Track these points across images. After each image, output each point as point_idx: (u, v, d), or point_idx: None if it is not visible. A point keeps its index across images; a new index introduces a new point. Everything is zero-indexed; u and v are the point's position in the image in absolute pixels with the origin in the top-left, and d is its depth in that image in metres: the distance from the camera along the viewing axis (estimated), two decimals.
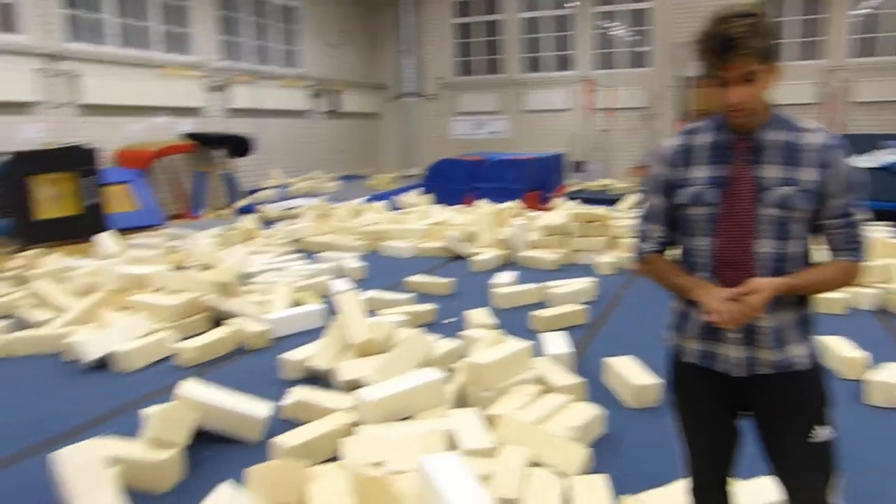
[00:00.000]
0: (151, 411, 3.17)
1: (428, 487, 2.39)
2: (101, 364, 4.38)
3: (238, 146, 12.02)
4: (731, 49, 1.60)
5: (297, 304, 5.44)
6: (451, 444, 2.90)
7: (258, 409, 3.37)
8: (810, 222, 1.74)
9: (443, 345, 4.16)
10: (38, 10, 9.84)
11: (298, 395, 3.56)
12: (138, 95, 11.37)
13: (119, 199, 9.51)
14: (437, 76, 18.26)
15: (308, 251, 7.94)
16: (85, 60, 10.48)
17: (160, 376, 4.23)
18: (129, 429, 3.28)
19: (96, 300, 5.13)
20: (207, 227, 9.22)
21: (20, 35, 9.69)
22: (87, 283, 5.61)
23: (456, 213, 9.24)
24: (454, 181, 11.22)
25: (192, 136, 11.67)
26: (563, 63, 17.23)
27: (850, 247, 1.75)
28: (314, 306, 5.28)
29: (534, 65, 17.66)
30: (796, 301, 1.77)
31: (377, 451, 2.81)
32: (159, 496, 2.85)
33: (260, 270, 6.45)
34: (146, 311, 4.87)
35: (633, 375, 3.74)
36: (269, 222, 9.86)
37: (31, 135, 9.58)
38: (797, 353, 1.77)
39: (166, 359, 4.50)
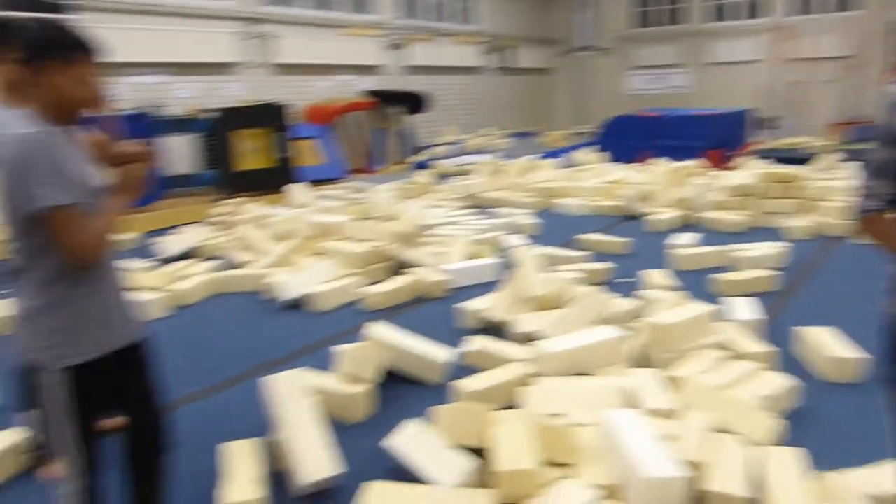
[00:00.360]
0: (344, 349, 3.42)
1: (611, 442, 2.39)
2: (297, 304, 4.77)
3: (414, 103, 12.38)
4: None
5: (473, 256, 5.57)
6: (631, 403, 2.86)
7: (440, 353, 3.52)
8: None
9: (620, 303, 4.09)
10: None
11: (478, 343, 3.68)
12: (325, 55, 12.00)
13: (307, 154, 10.18)
14: (612, 29, 17.57)
15: (482, 206, 8.06)
16: (279, 22, 11.20)
17: (349, 318, 4.54)
18: (323, 363, 3.56)
19: (292, 246, 5.57)
20: (386, 181, 9.63)
21: (224, 1, 10.53)
22: (284, 229, 6.08)
23: (632, 172, 8.94)
24: (630, 138, 10.83)
25: (372, 93, 12.18)
26: (752, 10, 15.88)
27: None
28: (489, 260, 5.38)
29: (718, 13, 16.44)
30: None
31: (557, 402, 2.84)
32: (352, 426, 3.08)
33: (436, 223, 6.66)
34: (336, 258, 5.21)
35: (832, 347, 3.47)
36: (443, 177, 10.11)
37: (232, 93, 10.46)
38: None
39: (353, 302, 4.81)
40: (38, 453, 2.77)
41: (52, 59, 1.70)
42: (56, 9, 7.97)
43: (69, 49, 1.73)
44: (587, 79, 17.77)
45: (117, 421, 2.05)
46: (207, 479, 2.65)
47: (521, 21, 17.23)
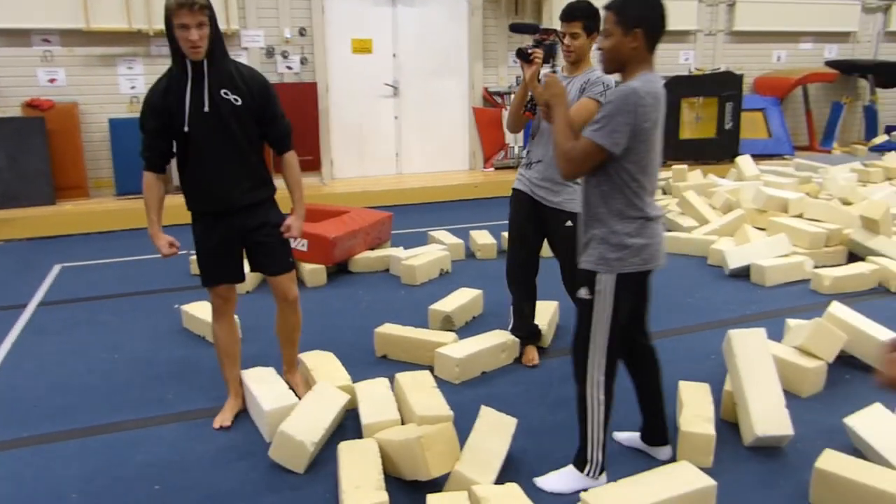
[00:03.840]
0: (801, 323, 3.42)
1: None
2: (740, 273, 4.82)
3: (888, 75, 10.87)
4: None
5: None
6: None
7: None
8: None
9: None
10: None
11: None
12: (787, 20, 11.23)
13: (754, 126, 9.81)
14: None
15: None
16: None
17: (798, 295, 4.45)
18: (773, 334, 3.60)
19: (738, 216, 5.58)
20: (838, 161, 8.79)
21: None
22: (727, 199, 6.10)
23: None
24: None
25: (835, 63, 11.05)
26: None
27: None
28: None
29: None
30: None
31: None
32: (800, 398, 3.11)
33: None
34: (786, 233, 5.08)
35: None
36: None
37: (683, 60, 10.55)
38: None
39: (801, 281, 4.67)
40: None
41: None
42: None
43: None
44: None
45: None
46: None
47: None
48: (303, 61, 7.90)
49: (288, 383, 3.13)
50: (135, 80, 7.41)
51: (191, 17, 2.47)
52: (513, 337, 3.53)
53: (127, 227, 6.72)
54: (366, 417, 2.76)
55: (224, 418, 2.97)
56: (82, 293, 4.83)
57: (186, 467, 2.66)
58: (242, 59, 7.70)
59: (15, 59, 7.08)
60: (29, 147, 6.83)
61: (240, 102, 2.64)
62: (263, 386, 3.00)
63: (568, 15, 3.06)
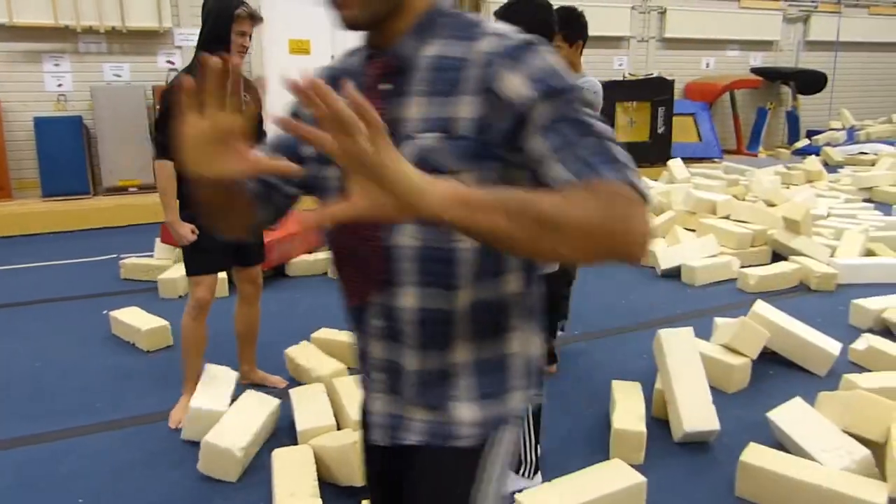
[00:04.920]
0: (726, 321, 3.55)
1: None
2: (671, 273, 4.98)
3: (808, 83, 11.40)
4: None
5: (868, 253, 5.15)
6: None
7: (830, 344, 3.45)
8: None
9: None
10: None
11: (870, 341, 3.50)
12: (715, 28, 11.63)
13: (684, 130, 10.13)
14: None
15: (881, 202, 7.26)
16: None
17: (725, 294, 4.62)
18: (701, 332, 3.73)
19: (669, 217, 5.75)
20: (763, 164, 9.15)
21: None
22: (659, 202, 6.28)
23: None
24: None
25: (760, 70, 11.52)
26: None
27: (587, 165, 0.88)
28: (889, 259, 4.93)
29: None
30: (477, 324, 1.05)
31: None
32: (726, 395, 3.23)
33: (826, 214, 6.23)
34: (714, 234, 5.26)
35: None
36: (832, 166, 9.26)
37: (617, 66, 10.81)
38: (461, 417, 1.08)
39: (728, 281, 4.85)
40: None
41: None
42: None
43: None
44: None
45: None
46: (596, 405, 3.07)
47: None
48: None
49: (252, 381, 3.24)
50: (62, 78, 7.14)
51: (250, 28, 2.80)
52: None
53: (53, 229, 6.49)
54: (301, 424, 2.73)
55: (181, 417, 2.92)
56: (4, 299, 4.63)
57: (114, 478, 2.58)
58: (176, 57, 7.52)
59: None
60: None
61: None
62: (211, 387, 2.94)
63: None
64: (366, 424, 1.19)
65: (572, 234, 0.79)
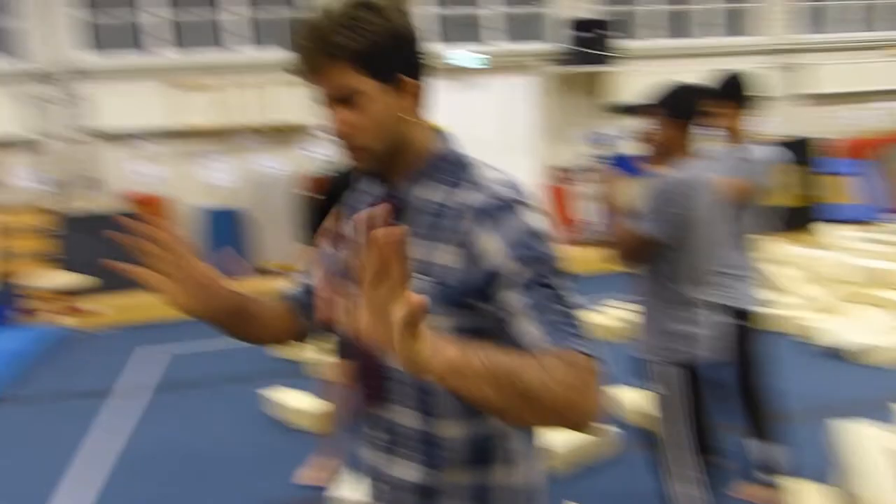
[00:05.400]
0: None
1: None
2: (840, 353, 4.56)
3: None
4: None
5: None
6: None
7: None
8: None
9: None
10: (775, 7, 10.49)
11: None
12: (869, 80, 10.94)
13: (838, 190, 9.48)
14: None
15: None
16: (814, 50, 10.67)
17: None
18: (884, 420, 3.36)
19: (835, 291, 5.32)
20: None
21: (759, 36, 10.53)
22: (819, 271, 5.85)
23: None
24: None
25: None
26: None
27: (556, 333, 0.94)
28: None
29: None
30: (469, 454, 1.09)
31: None
32: None
33: None
34: (889, 307, 4.81)
35: None
36: None
37: (761, 127, 10.36)
38: None
39: None
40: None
41: None
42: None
43: None
44: None
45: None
46: None
47: None
48: None
49: None
50: (223, 172, 7.83)
51: None
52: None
53: None
54: None
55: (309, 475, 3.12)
56: (175, 377, 4.99)
57: None
58: (315, 147, 8.05)
59: (116, 157, 7.64)
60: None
61: None
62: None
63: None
64: None
65: (541, 405, 0.86)
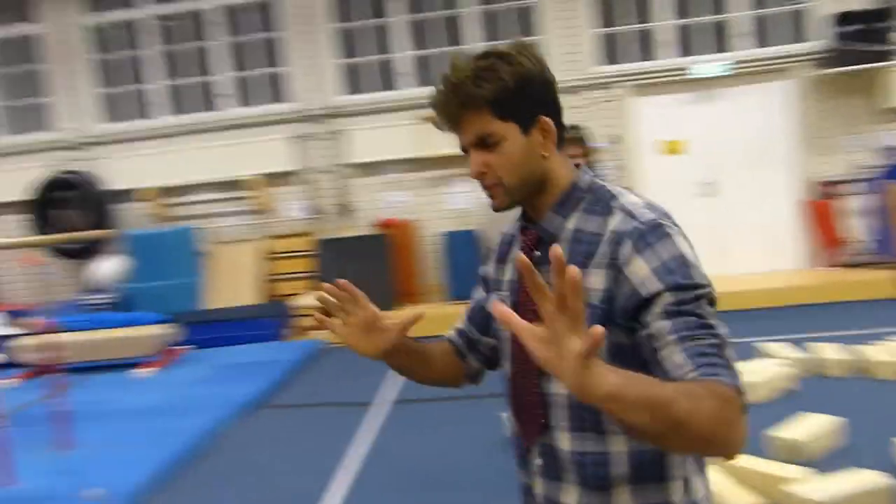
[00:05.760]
0: None
1: None
2: None
3: None
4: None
5: None
6: None
7: None
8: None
9: None
10: None
11: None
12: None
13: None
14: None
15: None
16: None
17: None
18: None
19: None
20: None
21: None
22: None
23: None
24: None
25: None
26: None
27: (705, 363, 0.96)
28: None
29: None
30: None
31: None
32: None
33: None
34: None
35: None
36: None
37: None
38: None
39: None
40: None
41: None
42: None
43: None
44: None
45: None
46: None
47: None
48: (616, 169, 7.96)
49: None
50: (462, 197, 8.13)
51: (578, 151, 3.03)
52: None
53: None
54: None
55: None
56: (421, 391, 5.19)
57: None
58: None
59: (367, 186, 8.29)
60: (374, 259, 7.81)
61: None
62: None
63: None
64: None
65: (690, 434, 0.88)
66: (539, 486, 1.18)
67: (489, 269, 1.33)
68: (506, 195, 1.14)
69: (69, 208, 8.04)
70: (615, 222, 1.08)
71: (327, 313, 1.25)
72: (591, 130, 3.17)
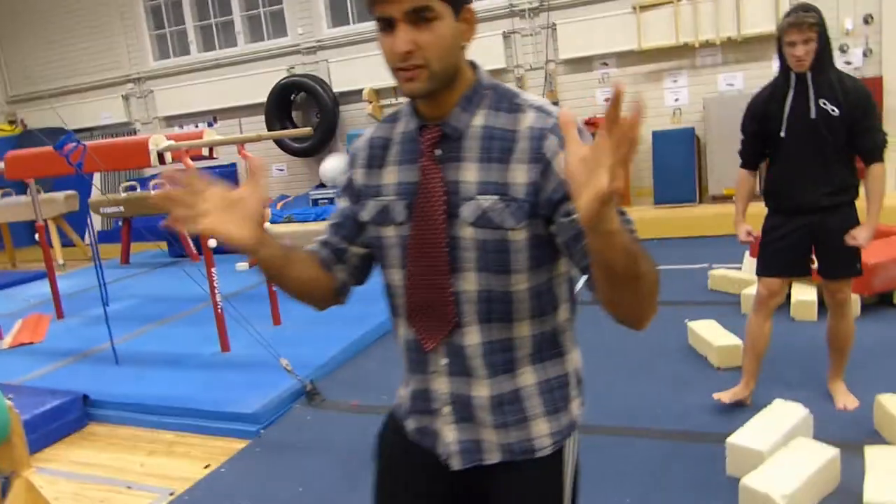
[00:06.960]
0: None
1: None
2: None
3: None
4: None
5: None
6: None
7: None
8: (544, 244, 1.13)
9: None
10: None
11: None
12: None
13: None
14: None
15: None
16: None
17: None
18: None
19: None
20: None
21: None
22: None
23: None
24: None
25: None
26: None
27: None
28: None
29: None
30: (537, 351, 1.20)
31: None
32: None
33: None
34: None
35: None
36: None
37: None
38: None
39: None
40: None
41: None
42: None
43: None
44: None
45: None
46: None
47: None
48: (865, 53, 6.83)
49: (830, 390, 3.14)
50: (678, 93, 7.56)
51: (798, 35, 2.68)
52: None
53: (661, 235, 6.79)
54: (870, 491, 2.21)
55: (723, 395, 3.13)
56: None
57: (657, 489, 2.58)
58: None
59: (578, 83, 8.02)
60: None
61: (837, 113, 2.72)
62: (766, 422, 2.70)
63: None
64: (413, 450, 1.29)
65: (640, 290, 0.99)
66: (444, 385, 1.21)
67: (356, 176, 1.25)
68: (428, 80, 1.07)
69: (301, 109, 8.77)
70: (530, 119, 1.10)
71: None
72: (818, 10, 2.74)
